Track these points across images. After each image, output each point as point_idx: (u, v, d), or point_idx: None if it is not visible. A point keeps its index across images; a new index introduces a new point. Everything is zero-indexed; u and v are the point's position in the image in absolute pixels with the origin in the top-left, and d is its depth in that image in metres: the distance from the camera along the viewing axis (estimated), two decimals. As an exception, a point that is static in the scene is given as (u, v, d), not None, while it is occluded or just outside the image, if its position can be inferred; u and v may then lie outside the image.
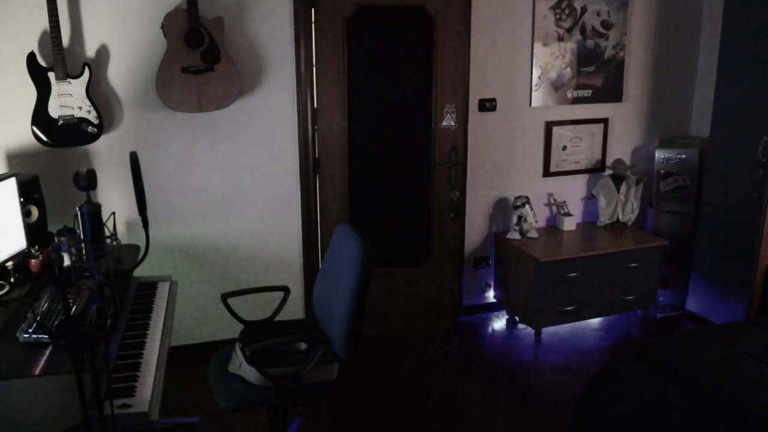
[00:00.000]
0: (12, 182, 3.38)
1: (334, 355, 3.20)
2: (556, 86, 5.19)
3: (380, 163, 4.90)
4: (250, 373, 3.08)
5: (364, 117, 4.77)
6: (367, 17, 4.59)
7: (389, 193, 4.97)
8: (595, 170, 5.51)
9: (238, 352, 3.20)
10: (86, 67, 3.95)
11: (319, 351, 3.08)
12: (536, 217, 5.29)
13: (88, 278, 3.09)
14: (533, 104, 5.15)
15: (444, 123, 4.80)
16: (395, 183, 4.94)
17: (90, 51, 4.07)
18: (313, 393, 3.20)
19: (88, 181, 3.08)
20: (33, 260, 3.49)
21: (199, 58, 4.07)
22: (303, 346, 3.27)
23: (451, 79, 4.75)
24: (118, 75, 4.16)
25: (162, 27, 4.05)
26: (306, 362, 3.07)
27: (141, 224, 2.90)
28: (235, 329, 3.48)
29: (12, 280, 3.34)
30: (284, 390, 3.06)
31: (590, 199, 5.56)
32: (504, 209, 5.32)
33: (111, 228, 3.16)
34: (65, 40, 3.97)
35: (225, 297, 3.52)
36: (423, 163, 4.88)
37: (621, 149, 5.56)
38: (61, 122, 3.92)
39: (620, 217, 5.42)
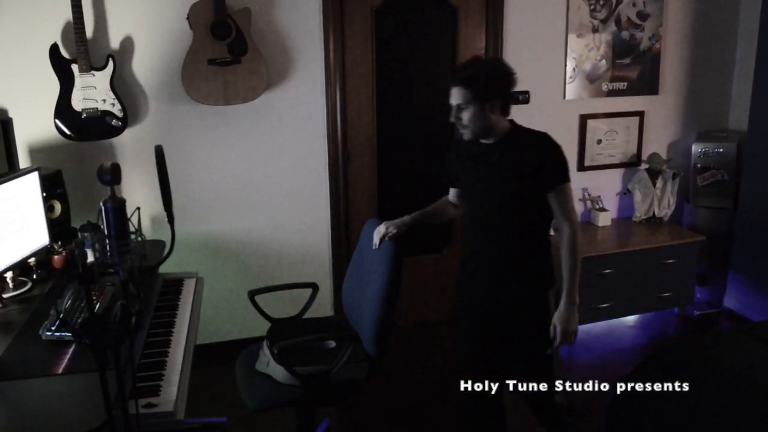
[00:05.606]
0: (35, 177, 3.34)
1: (364, 354, 3.12)
2: (591, 78, 5.08)
3: (406, 152, 4.93)
4: (278, 371, 3.02)
5: (391, 107, 4.77)
6: (394, 8, 4.61)
7: (415, 182, 4.97)
8: (630, 164, 5.40)
9: (266, 350, 3.15)
10: (110, 59, 3.90)
11: (348, 349, 3.02)
12: (570, 212, 5.19)
13: (112, 275, 3.03)
14: (567, 97, 5.05)
15: None
16: (420, 171, 4.96)
17: (114, 42, 4.02)
18: (342, 392, 3.15)
19: (113, 175, 2.99)
20: (56, 256, 3.47)
21: (225, 49, 4.01)
22: (332, 344, 3.21)
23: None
24: (142, 67, 4.11)
25: (188, 18, 3.99)
26: (335, 361, 3.00)
27: (166, 219, 2.82)
28: (262, 327, 3.42)
29: (34, 276, 3.33)
30: (313, 389, 3.00)
31: (626, 193, 5.45)
32: (536, 204, 5.20)
33: (135, 223, 3.08)
34: (89, 31, 3.91)
35: (252, 294, 3.47)
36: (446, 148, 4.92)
37: (657, 143, 5.44)
38: (85, 115, 3.88)
39: (656, 213, 5.31)
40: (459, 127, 2.97)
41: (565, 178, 2.95)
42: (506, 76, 2.96)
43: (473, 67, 2.94)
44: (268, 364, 3.09)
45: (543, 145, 2.99)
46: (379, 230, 3.18)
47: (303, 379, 2.97)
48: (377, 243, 3.17)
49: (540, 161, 2.93)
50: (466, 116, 2.91)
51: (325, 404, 3.43)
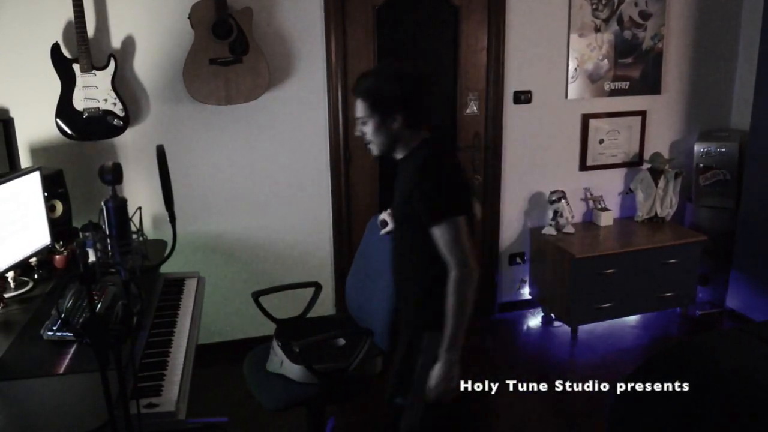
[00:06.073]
0: (36, 176, 3.33)
1: (377, 349, 3.13)
2: (593, 78, 5.06)
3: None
4: (293, 370, 3.02)
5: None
6: (396, 8, 4.60)
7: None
8: (632, 164, 5.38)
9: (278, 350, 3.14)
10: (112, 58, 3.89)
11: (365, 345, 3.02)
12: (572, 212, 5.16)
13: (113, 274, 3.03)
14: (569, 96, 5.03)
15: (468, 110, 4.87)
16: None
17: (116, 42, 4.01)
18: (357, 388, 3.18)
19: (114, 175, 3.00)
20: (57, 256, 3.45)
21: (227, 49, 4.00)
22: (341, 341, 3.21)
23: (473, 67, 4.83)
24: (144, 66, 4.10)
25: (189, 17, 3.98)
26: (352, 357, 3.01)
27: (168, 219, 2.81)
28: (263, 327, 3.41)
29: (36, 276, 3.31)
30: (331, 386, 3.01)
31: (628, 193, 5.44)
32: (539, 204, 5.20)
33: (137, 223, 3.08)
34: (90, 30, 3.90)
35: (256, 295, 3.46)
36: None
37: (659, 142, 5.42)
38: (86, 115, 3.87)
39: (658, 212, 5.29)
40: (364, 141, 2.73)
41: (439, 217, 2.53)
42: (409, 87, 2.61)
43: (372, 77, 2.67)
44: (282, 364, 3.08)
45: (420, 173, 2.60)
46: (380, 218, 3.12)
47: (321, 376, 2.97)
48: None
49: (414, 192, 2.58)
50: (368, 130, 2.67)
51: (341, 401, 3.43)
